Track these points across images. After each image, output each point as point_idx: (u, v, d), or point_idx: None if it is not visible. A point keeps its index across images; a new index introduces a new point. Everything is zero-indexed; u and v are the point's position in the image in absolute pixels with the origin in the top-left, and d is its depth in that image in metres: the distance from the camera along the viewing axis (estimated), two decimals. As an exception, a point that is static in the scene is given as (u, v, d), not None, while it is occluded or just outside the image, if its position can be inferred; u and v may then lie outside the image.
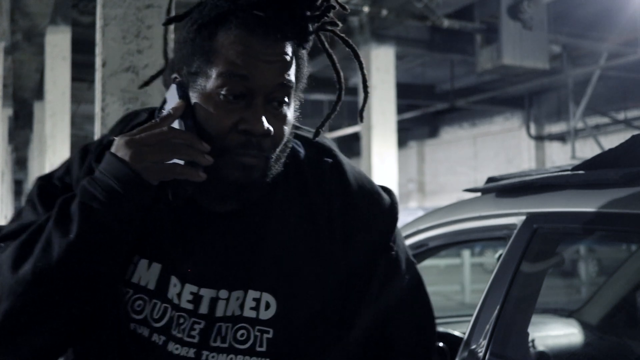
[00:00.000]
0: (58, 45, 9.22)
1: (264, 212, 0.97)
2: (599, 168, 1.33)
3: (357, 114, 1.12)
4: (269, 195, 0.97)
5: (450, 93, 14.92)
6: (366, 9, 9.32)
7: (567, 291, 10.07)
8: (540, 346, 1.89)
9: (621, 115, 15.10)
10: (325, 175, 1.01)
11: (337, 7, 1.01)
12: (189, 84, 0.92)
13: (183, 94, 0.92)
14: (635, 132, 1.28)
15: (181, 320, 0.93)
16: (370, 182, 1.08)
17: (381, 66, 10.11)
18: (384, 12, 9.23)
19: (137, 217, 0.89)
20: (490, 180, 1.69)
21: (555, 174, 1.45)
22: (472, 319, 1.43)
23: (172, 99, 0.93)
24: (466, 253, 10.38)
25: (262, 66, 0.88)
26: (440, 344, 2.03)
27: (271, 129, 0.90)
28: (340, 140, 22.04)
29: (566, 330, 2.13)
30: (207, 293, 0.94)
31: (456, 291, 10.59)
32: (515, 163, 18.89)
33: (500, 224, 1.51)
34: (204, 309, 0.93)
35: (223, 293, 0.94)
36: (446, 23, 9.24)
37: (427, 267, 10.76)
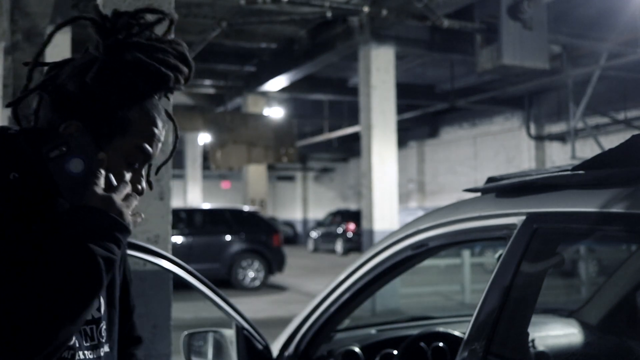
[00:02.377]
0: (58, 45, 9.22)
1: None
2: (599, 168, 1.33)
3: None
4: None
5: (450, 93, 14.92)
6: (366, 9, 9.32)
7: (567, 291, 10.07)
8: (540, 346, 1.89)
9: (621, 115, 15.10)
10: None
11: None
12: (100, 141, 1.06)
13: (99, 148, 1.06)
14: (635, 132, 1.27)
15: None
16: None
17: (381, 66, 10.12)
18: (384, 12, 9.23)
19: None
20: (490, 180, 1.69)
21: (555, 174, 1.45)
22: (472, 319, 1.43)
23: (83, 147, 1.04)
24: (466, 253, 10.38)
25: (158, 145, 1.13)
26: (440, 344, 2.03)
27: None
28: (340, 140, 22.07)
29: (566, 330, 2.13)
30: None
31: (456, 291, 10.60)
32: (515, 163, 18.89)
33: (500, 224, 1.51)
34: None
35: None
36: (446, 23, 9.24)
37: (427, 267, 10.78)
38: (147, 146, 1.09)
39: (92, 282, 0.97)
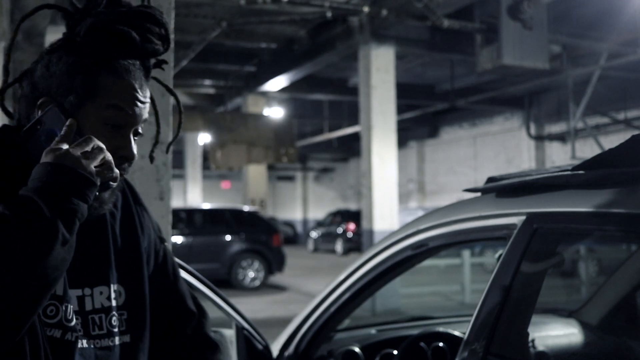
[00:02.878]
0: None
1: (102, 222, 1.20)
2: (599, 168, 1.33)
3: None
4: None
5: (450, 93, 14.92)
6: (366, 9, 9.32)
7: (567, 291, 10.07)
8: (540, 346, 1.89)
9: (621, 115, 15.10)
10: (125, 190, 1.28)
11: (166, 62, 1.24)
12: (69, 110, 1.07)
13: (68, 116, 1.06)
14: (635, 132, 1.27)
15: (69, 316, 1.11)
16: None
17: (381, 66, 10.11)
18: (384, 12, 9.23)
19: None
20: (490, 180, 1.69)
21: (555, 174, 1.45)
22: (472, 319, 1.43)
23: (55, 120, 1.05)
24: (466, 253, 10.38)
25: (138, 106, 1.11)
26: (440, 344, 2.03)
27: (136, 152, 1.14)
28: (340, 140, 22.07)
29: (566, 330, 2.13)
30: (72, 293, 1.12)
31: (456, 291, 10.59)
32: (515, 163, 18.89)
33: (500, 224, 1.51)
34: (74, 306, 1.12)
35: (87, 290, 1.15)
36: (446, 23, 9.24)
37: (427, 267, 10.78)
38: (122, 104, 1.08)
39: (44, 235, 0.91)
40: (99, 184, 1.02)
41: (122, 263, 1.21)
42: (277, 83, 13.93)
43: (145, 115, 1.14)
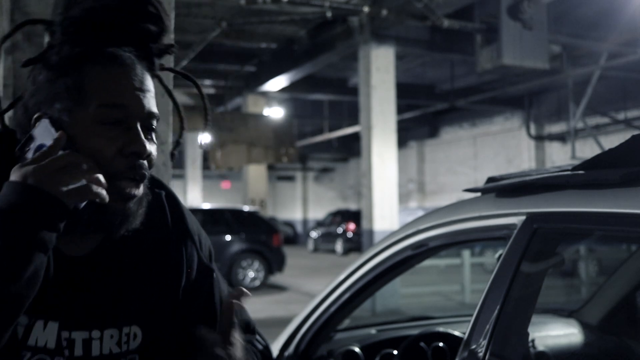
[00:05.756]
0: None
1: (120, 248, 1.02)
2: (599, 168, 1.33)
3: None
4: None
5: (450, 93, 14.92)
6: (366, 9, 9.32)
7: (567, 291, 10.07)
8: (540, 346, 1.89)
9: (621, 115, 15.10)
10: (164, 206, 1.10)
11: (175, 46, 1.07)
12: (60, 120, 0.93)
13: (59, 128, 0.92)
14: (635, 132, 1.27)
15: None
16: (190, 211, 1.18)
17: (381, 66, 10.11)
18: (384, 12, 9.23)
19: (49, 251, 0.87)
20: (490, 180, 1.69)
21: (555, 174, 1.45)
22: (472, 319, 1.43)
23: (46, 133, 0.92)
24: (466, 253, 10.38)
25: (134, 94, 0.95)
26: (440, 344, 2.03)
27: (153, 150, 0.97)
28: (340, 140, 22.08)
29: (566, 330, 2.13)
30: (78, 335, 0.98)
31: (456, 291, 10.60)
32: (515, 163, 18.89)
33: (500, 224, 1.51)
34: (78, 351, 0.97)
35: (95, 333, 0.99)
36: (446, 23, 9.24)
37: (427, 267, 10.78)
38: (114, 97, 0.93)
39: None
40: (71, 206, 0.86)
41: (142, 299, 1.03)
42: (277, 83, 13.93)
43: (152, 106, 0.97)
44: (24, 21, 1.05)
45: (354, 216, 21.61)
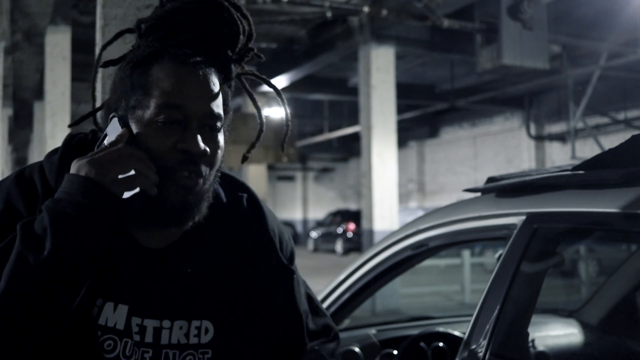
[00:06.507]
0: (58, 45, 9.22)
1: (196, 245, 1.08)
2: (599, 168, 1.33)
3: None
4: (199, 228, 1.07)
5: (450, 93, 14.92)
6: (366, 9, 9.32)
7: (567, 291, 10.07)
8: (540, 346, 1.89)
9: (621, 115, 15.11)
10: (244, 208, 1.15)
11: (255, 51, 1.11)
12: (127, 117, 1.01)
13: (125, 125, 1.00)
14: (635, 132, 1.27)
15: (128, 352, 1.02)
16: (274, 213, 1.24)
17: (381, 66, 10.11)
18: (384, 12, 9.23)
19: (105, 235, 0.95)
20: (490, 180, 1.69)
21: (555, 174, 1.45)
22: (472, 319, 1.43)
23: (114, 131, 1.01)
24: (466, 253, 10.38)
25: (195, 95, 0.99)
26: (440, 344, 2.03)
27: (207, 149, 1.00)
28: (340, 140, 22.08)
29: (566, 330, 2.13)
30: (149, 323, 1.04)
31: (456, 291, 10.59)
32: (515, 163, 18.90)
33: (500, 224, 1.51)
34: (149, 337, 1.03)
35: (166, 323, 1.05)
36: (446, 23, 9.24)
37: (427, 267, 10.77)
38: (173, 98, 0.97)
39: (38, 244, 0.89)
40: (120, 194, 0.95)
41: (215, 295, 1.07)
42: (277, 83, 13.83)
43: (214, 108, 1.00)
44: (121, 30, 1.13)
45: (354, 216, 21.61)
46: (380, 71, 10.08)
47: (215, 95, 1.01)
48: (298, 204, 32.48)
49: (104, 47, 1.13)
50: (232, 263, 1.10)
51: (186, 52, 0.99)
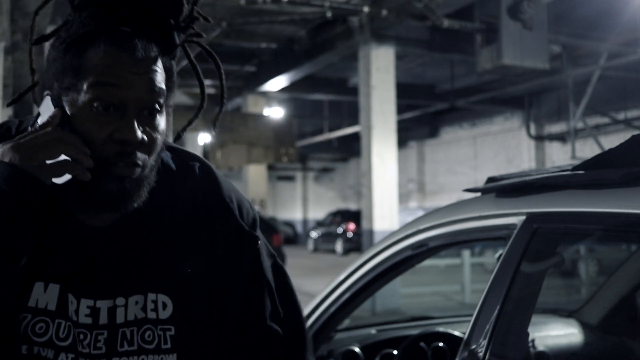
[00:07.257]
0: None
1: (145, 219, 1.02)
2: (599, 168, 1.33)
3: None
4: (147, 203, 1.00)
5: (450, 93, 14.92)
6: (366, 9, 9.32)
7: (567, 291, 10.07)
8: (540, 346, 1.89)
9: (621, 115, 15.10)
10: (196, 176, 1.09)
11: (201, 19, 1.07)
12: (61, 98, 0.95)
13: (57, 105, 0.95)
14: (635, 132, 1.27)
15: (81, 336, 0.97)
16: (230, 182, 1.17)
17: (381, 66, 10.11)
18: (384, 12, 9.23)
19: (30, 222, 0.90)
20: (490, 180, 1.69)
21: (555, 174, 1.45)
22: (472, 319, 1.43)
23: (47, 111, 0.95)
24: (466, 253, 10.38)
25: (132, 78, 0.92)
26: (440, 344, 2.03)
27: (145, 138, 0.94)
28: (340, 140, 22.08)
29: (566, 330, 2.13)
30: (103, 304, 0.99)
31: (456, 291, 10.59)
32: (515, 163, 18.90)
33: (500, 224, 1.51)
34: (103, 319, 0.99)
35: (120, 300, 1.00)
36: (446, 23, 9.24)
37: (427, 267, 10.77)
38: (108, 77, 0.91)
39: None
40: (48, 182, 0.90)
41: (169, 269, 1.02)
42: (277, 83, 13.93)
43: (154, 85, 0.95)
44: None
45: (354, 216, 21.61)
46: (380, 71, 10.08)
47: (157, 75, 0.96)
48: (298, 204, 32.48)
49: (36, 12, 1.03)
50: (185, 233, 1.04)
51: (123, 31, 0.92)
